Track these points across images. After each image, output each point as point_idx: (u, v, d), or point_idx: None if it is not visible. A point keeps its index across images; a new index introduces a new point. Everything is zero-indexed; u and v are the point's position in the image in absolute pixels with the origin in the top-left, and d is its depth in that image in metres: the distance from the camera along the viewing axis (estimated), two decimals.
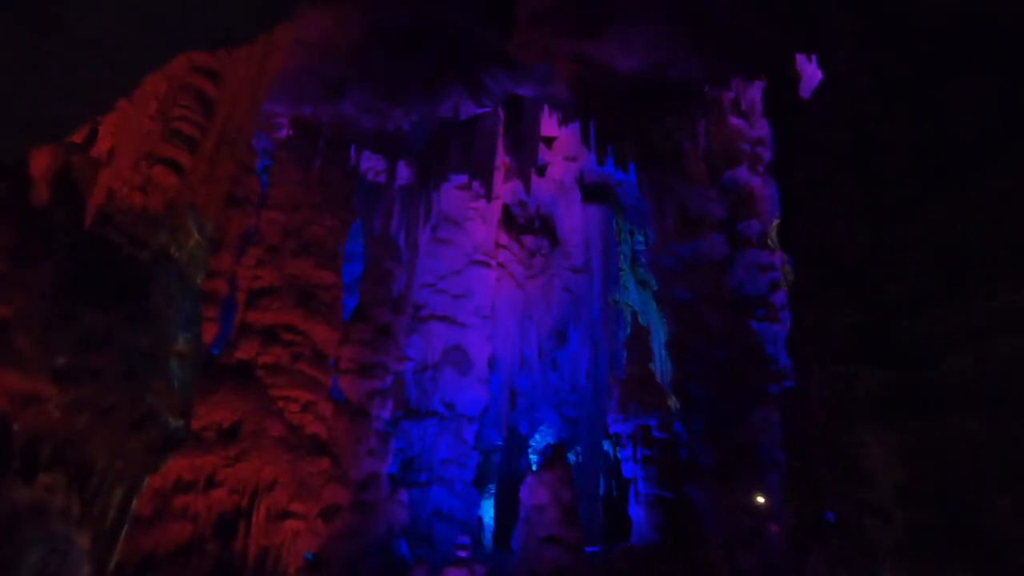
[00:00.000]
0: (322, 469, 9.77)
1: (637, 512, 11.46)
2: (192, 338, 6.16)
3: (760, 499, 9.82)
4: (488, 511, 13.78)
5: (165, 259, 5.91)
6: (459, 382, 13.38)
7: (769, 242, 12.13)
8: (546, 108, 12.15)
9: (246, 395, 9.41)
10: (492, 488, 14.12)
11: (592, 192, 15.32)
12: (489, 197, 13.46)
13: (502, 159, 13.48)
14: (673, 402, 12.15)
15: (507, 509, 13.09)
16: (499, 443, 14.47)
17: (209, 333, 9.76)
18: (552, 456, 12.17)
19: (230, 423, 9.21)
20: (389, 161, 12.23)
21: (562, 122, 12.04)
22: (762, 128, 12.58)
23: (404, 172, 12.58)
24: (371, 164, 12.31)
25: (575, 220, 15.21)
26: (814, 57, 9.46)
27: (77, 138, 5.08)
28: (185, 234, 6.24)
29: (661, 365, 13.56)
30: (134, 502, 5.90)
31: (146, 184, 5.23)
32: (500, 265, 14.70)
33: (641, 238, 15.95)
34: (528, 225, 15.58)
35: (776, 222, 11.70)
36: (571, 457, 14.07)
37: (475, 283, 14.06)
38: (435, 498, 11.85)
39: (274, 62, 6.09)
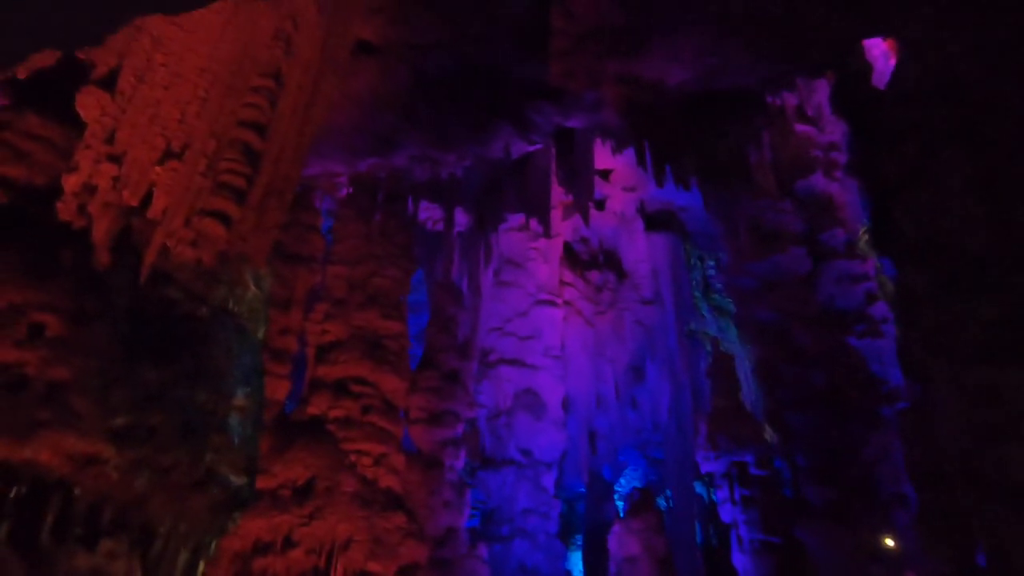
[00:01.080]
0: (398, 525, 9.28)
1: (742, 561, 10.08)
2: (252, 392, 5.99)
3: (889, 542, 8.32)
4: (576, 564, 12.70)
5: (224, 313, 5.86)
6: (534, 427, 12.68)
7: (858, 251, 10.87)
8: (598, 139, 11.76)
9: (319, 451, 9.20)
10: (579, 539, 13.05)
11: (656, 221, 14.61)
12: (548, 235, 13.06)
13: (558, 196, 13.14)
14: (769, 434, 10.84)
15: (596, 562, 11.98)
16: (582, 490, 13.46)
17: (282, 390, 9.75)
18: (640, 501, 11.09)
19: (304, 480, 9.00)
20: (446, 208, 12.16)
21: (616, 150, 11.56)
22: (833, 132, 11.56)
23: (461, 218, 12.47)
24: (429, 213, 12.29)
25: (640, 251, 14.49)
26: (878, 46, 8.60)
27: (133, 200, 5.13)
28: (243, 287, 6.20)
29: (750, 394, 12.27)
30: (202, 566, 5.63)
31: (197, 238, 5.20)
32: (567, 303, 14.12)
33: (712, 263, 14.94)
34: (592, 260, 15.00)
35: (864, 227, 10.49)
36: (661, 502, 12.85)
37: (542, 323, 13.53)
38: (518, 552, 11.00)
39: (318, 115, 6.06)
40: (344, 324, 10.29)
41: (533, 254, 13.77)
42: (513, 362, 13.17)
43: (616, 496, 13.63)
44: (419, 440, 10.65)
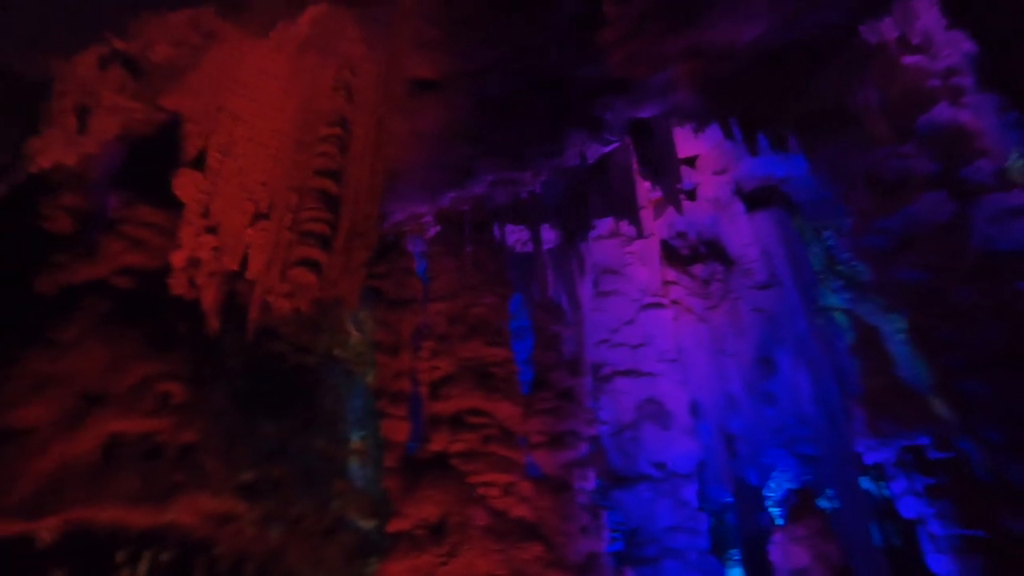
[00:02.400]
0: (536, 555, 8.78)
1: (943, 563, 8.35)
2: (368, 435, 5.91)
3: None
4: None
5: (330, 360, 5.88)
6: (662, 437, 11.70)
7: (1012, 178, 9.02)
8: (676, 125, 10.98)
9: (446, 486, 9.01)
10: (734, 554, 11.69)
11: (756, 200, 13.29)
12: (641, 235, 12.31)
13: (645, 194, 12.39)
14: (942, 409, 9.06)
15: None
16: (729, 499, 12.15)
17: (403, 432, 9.76)
18: (799, 505, 9.71)
19: (437, 518, 8.83)
20: (532, 228, 11.87)
21: (698, 131, 10.70)
22: (950, 55, 9.85)
23: (549, 235, 12.09)
24: (516, 236, 12.05)
25: (745, 235, 13.21)
26: None
27: (233, 264, 5.29)
28: (345, 333, 6.23)
29: (907, 368, 10.46)
30: None
31: (292, 289, 5.25)
32: (674, 303, 13.13)
33: (831, 232, 13.26)
34: (693, 254, 13.94)
35: (1017, 151, 8.69)
36: (823, 503, 11.22)
37: (652, 328, 12.63)
38: (668, 574, 10.01)
39: (387, 152, 6.02)
40: (451, 358, 10.21)
41: (629, 258, 13.02)
42: (628, 373, 12.37)
43: (768, 502, 12.14)
44: (544, 464, 10.16)
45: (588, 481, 10.03)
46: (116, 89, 4.85)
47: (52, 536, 4.28)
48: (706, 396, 12.29)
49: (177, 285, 5.27)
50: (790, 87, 8.43)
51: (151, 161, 5.91)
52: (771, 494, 12.08)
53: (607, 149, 10.75)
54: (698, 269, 13.39)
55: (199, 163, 5.64)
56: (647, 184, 11.92)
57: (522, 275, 12.58)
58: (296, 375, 5.53)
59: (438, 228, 11.55)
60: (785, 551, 9.19)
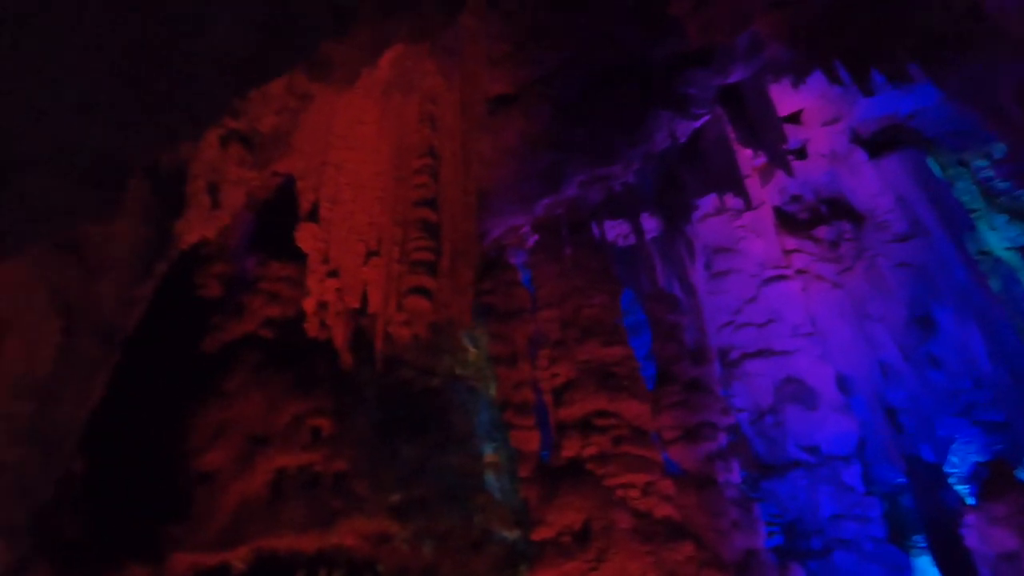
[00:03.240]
0: (688, 555, 8.35)
1: None
2: (499, 447, 6.01)
3: None
4: (927, 571, 10.01)
5: (453, 379, 6.07)
6: (810, 419, 10.70)
7: None
8: (771, 82, 10.11)
9: (585, 492, 8.89)
10: (919, 540, 10.33)
11: (879, 144, 11.89)
12: (750, 206, 11.48)
13: (748, 162, 11.55)
14: None
15: (952, 564, 9.24)
16: (901, 480, 10.81)
17: (533, 441, 9.80)
18: (993, 480, 8.38)
19: (580, 524, 8.75)
20: (631, 220, 11.52)
21: (796, 84, 9.77)
22: None
23: (650, 223, 11.66)
24: (616, 230, 11.76)
25: (872, 184, 11.85)
26: None
27: (355, 302, 5.67)
28: (463, 351, 6.41)
29: None
30: None
31: (409, 317, 5.50)
32: (800, 272, 12.08)
33: (982, 162, 11.49)
34: (814, 216, 12.76)
35: None
36: (1021, 474, 9.59)
37: (778, 303, 11.70)
38: (842, 567, 9.04)
39: (475, 171, 6.16)
40: (569, 363, 10.11)
41: (741, 233, 12.21)
42: (759, 354, 11.57)
43: (952, 479, 10.61)
44: (682, 460, 9.69)
45: (733, 473, 9.42)
46: (237, 163, 5.44)
47: (243, 564, 4.81)
48: (855, 368, 11.12)
49: (311, 328, 5.74)
50: (900, 7, 7.39)
51: (274, 221, 6.54)
52: (954, 470, 10.57)
53: (698, 124, 10.15)
54: (822, 232, 12.22)
55: (313, 215, 6.14)
56: (748, 151, 11.11)
57: (629, 269, 12.23)
58: (424, 398, 5.78)
59: (536, 237, 11.58)
60: (983, 534, 7.96)
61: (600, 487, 9.03)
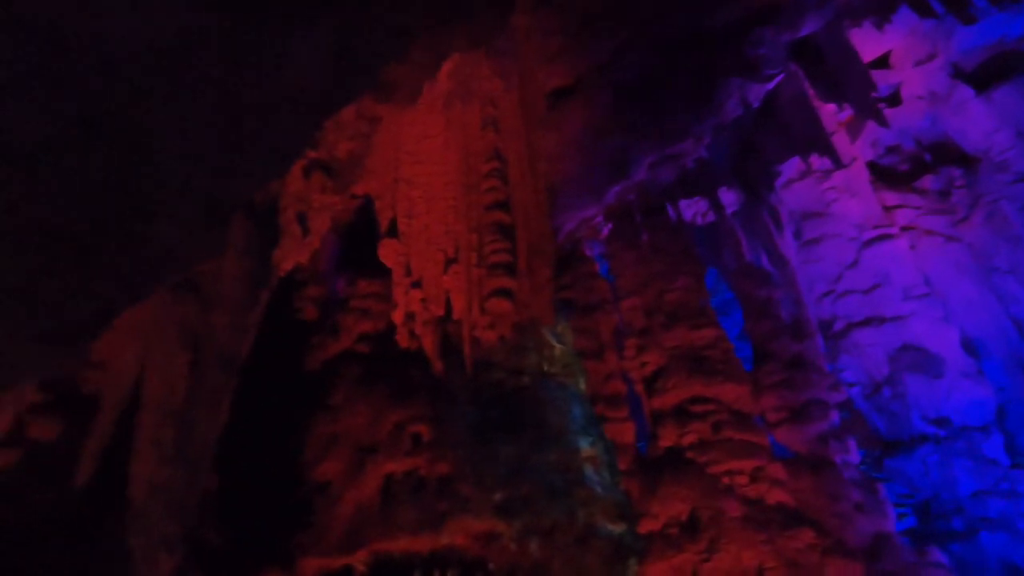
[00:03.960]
0: (809, 543, 7.86)
1: None
2: (595, 441, 5.96)
3: None
4: None
5: (542, 376, 6.10)
6: (935, 388, 9.73)
7: None
8: (849, 28, 9.31)
9: (688, 481, 8.61)
10: None
11: (988, 76, 10.61)
12: (841, 164, 10.63)
13: (832, 118, 10.71)
14: None
15: None
16: None
17: (628, 433, 9.64)
18: None
19: (686, 514, 8.48)
20: (708, 196, 11.03)
21: (881, 24, 8.93)
22: None
23: (729, 197, 11.10)
24: (693, 209, 11.31)
25: (984, 122, 10.58)
26: None
27: (439, 310, 5.86)
28: (549, 348, 6.42)
29: None
30: None
31: (493, 320, 5.60)
32: (905, 229, 11.03)
33: None
34: (916, 166, 11.61)
35: None
36: None
37: (884, 264, 10.74)
38: (992, 549, 8.14)
39: (542, 168, 6.17)
40: (658, 350, 9.85)
41: (832, 195, 11.33)
42: (868, 322, 10.68)
43: None
44: (791, 443, 9.14)
45: (850, 453, 8.76)
46: (320, 191, 5.81)
47: (364, 566, 5.10)
48: (984, 328, 10.01)
49: (402, 339, 5.99)
50: None
51: (357, 241, 6.89)
52: None
53: (771, 86, 9.54)
54: (928, 182, 11.09)
55: (392, 231, 6.40)
56: (831, 106, 10.30)
57: (711, 247, 11.73)
58: (516, 397, 5.86)
59: (610, 226, 11.40)
60: None
61: (704, 475, 8.71)
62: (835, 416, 9.11)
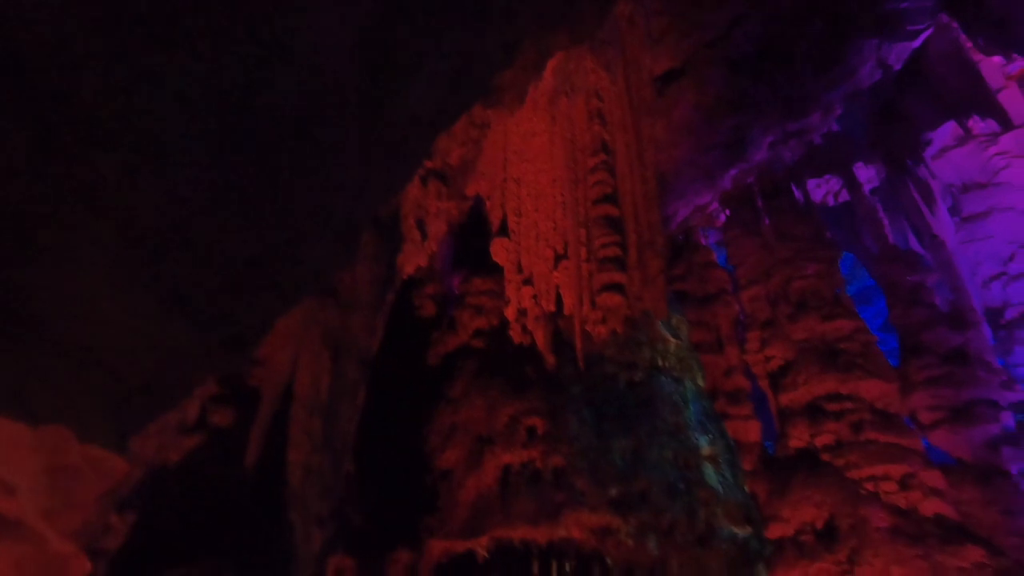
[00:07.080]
0: (976, 561, 6.93)
1: None
2: (715, 439, 5.73)
3: None
4: None
5: (656, 371, 5.98)
6: None
7: None
8: None
9: (823, 485, 7.98)
10: None
11: None
12: (1010, 126, 9.21)
13: (996, 73, 9.29)
14: None
15: None
16: None
17: (753, 431, 9.14)
18: None
19: (823, 522, 7.86)
20: (841, 173, 10.07)
21: None
22: None
23: (865, 173, 10.06)
24: (823, 188, 10.40)
25: None
26: None
27: (550, 306, 6.00)
28: (663, 342, 6.27)
29: None
30: None
31: (604, 315, 5.61)
32: None
33: None
34: None
35: None
36: None
37: None
38: None
39: (651, 157, 6.05)
40: (784, 343, 9.20)
41: (1000, 161, 9.88)
42: None
43: None
44: (951, 447, 8.10)
45: None
46: (436, 197, 6.19)
47: (485, 551, 5.38)
48: None
49: (515, 335, 6.20)
50: None
51: (472, 241, 7.23)
52: None
53: (917, 42, 8.49)
54: None
55: (503, 229, 6.63)
56: (995, 59, 8.95)
57: (846, 230, 10.70)
58: (630, 392, 5.81)
59: (727, 212, 10.84)
60: None
61: (843, 480, 8.02)
62: (1008, 418, 7.94)
